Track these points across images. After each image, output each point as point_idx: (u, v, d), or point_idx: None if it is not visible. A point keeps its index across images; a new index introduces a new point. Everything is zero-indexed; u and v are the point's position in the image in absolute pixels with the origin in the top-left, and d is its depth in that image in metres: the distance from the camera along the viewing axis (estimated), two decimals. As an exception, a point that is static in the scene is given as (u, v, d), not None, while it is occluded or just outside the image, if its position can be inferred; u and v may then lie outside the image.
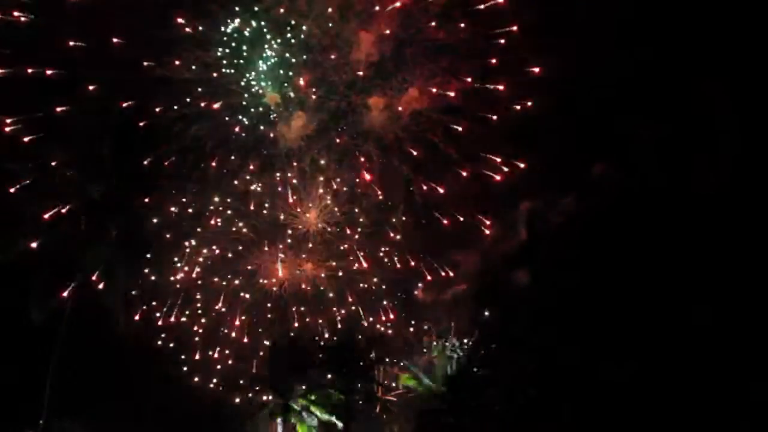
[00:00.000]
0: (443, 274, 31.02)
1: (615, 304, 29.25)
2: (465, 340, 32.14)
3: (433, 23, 28.91)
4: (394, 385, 32.54)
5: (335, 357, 30.90)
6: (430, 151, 29.55)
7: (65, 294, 27.38)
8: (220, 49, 30.04)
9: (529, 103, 28.74)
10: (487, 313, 31.59)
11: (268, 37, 30.24)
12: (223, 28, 29.73)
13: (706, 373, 27.35)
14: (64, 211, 26.66)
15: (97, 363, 27.79)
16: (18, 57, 26.22)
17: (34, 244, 26.37)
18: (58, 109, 26.96)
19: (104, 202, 27.16)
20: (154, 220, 28.98)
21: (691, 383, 27.49)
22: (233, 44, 30.11)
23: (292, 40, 30.25)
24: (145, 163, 28.57)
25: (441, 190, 29.88)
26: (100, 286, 27.66)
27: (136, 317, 28.83)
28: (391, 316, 31.60)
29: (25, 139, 26.54)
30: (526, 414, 29.83)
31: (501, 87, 28.55)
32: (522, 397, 30.04)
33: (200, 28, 29.29)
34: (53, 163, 26.82)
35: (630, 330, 28.81)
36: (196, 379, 29.57)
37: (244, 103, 30.81)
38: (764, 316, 27.11)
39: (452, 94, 29.15)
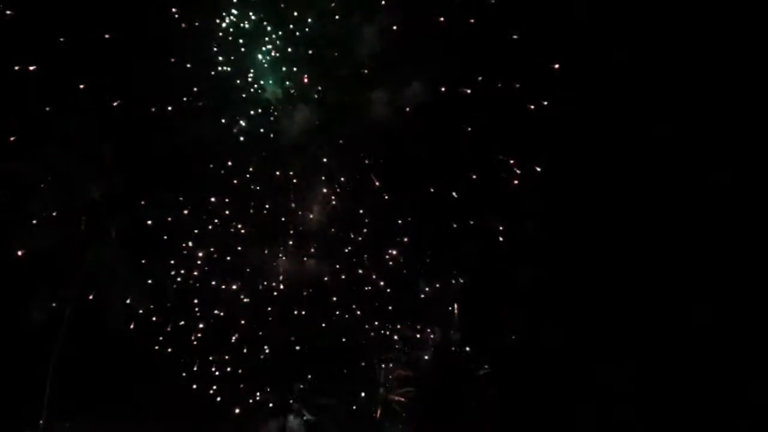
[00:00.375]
0: (452, 281, 30.91)
1: (615, 304, 29.38)
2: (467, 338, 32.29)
3: (442, 18, 28.48)
4: (396, 384, 32.65)
5: (336, 358, 30.93)
6: (436, 149, 29.27)
7: (65, 294, 27.21)
8: (219, 44, 29.66)
9: (545, 102, 28.21)
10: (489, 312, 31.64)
11: (269, 29, 29.86)
12: (218, 21, 29.35)
13: (706, 373, 27.53)
14: (64, 211, 26.46)
15: (98, 363, 27.73)
16: (8, 53, 25.87)
17: (33, 244, 26.11)
18: (57, 108, 26.61)
19: (104, 202, 26.97)
20: (154, 221, 28.68)
21: (691, 383, 27.67)
22: (231, 38, 29.73)
23: (297, 34, 29.86)
24: (145, 162, 28.25)
25: (447, 190, 29.63)
26: (100, 286, 27.49)
27: (136, 318, 28.56)
28: (394, 317, 31.51)
29: (24, 138, 26.23)
30: (526, 414, 30.02)
31: (516, 84, 28.13)
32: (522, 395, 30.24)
33: (197, 23, 28.90)
34: (53, 163, 26.51)
35: (629, 330, 28.95)
36: (195, 386, 29.37)
37: (243, 97, 30.48)
38: (764, 316, 27.26)
39: (459, 90, 28.84)
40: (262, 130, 30.34)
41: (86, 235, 26.84)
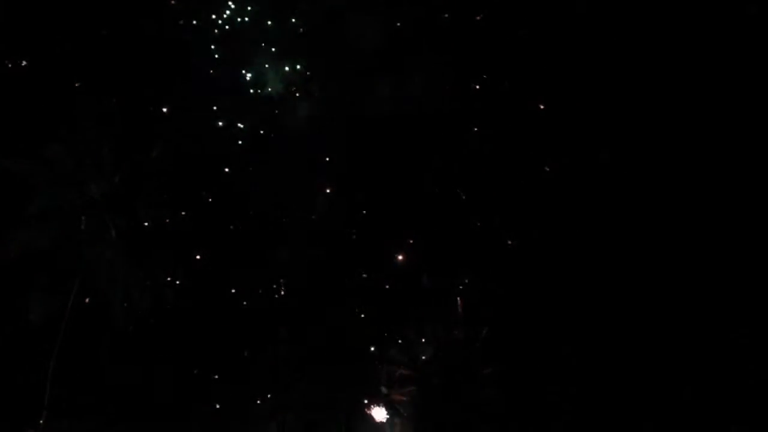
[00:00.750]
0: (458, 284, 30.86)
1: (617, 305, 29.37)
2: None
3: (446, 14, 28.37)
4: (397, 384, 32.59)
5: (337, 358, 30.89)
6: (439, 146, 29.19)
7: (65, 293, 27.14)
8: (219, 41, 29.59)
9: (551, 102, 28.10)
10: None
11: (270, 24, 29.80)
12: (214, 17, 29.26)
13: (705, 373, 27.56)
14: (64, 211, 26.39)
15: (98, 363, 27.73)
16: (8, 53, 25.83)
17: (34, 244, 26.04)
18: (57, 108, 26.56)
19: (104, 202, 26.91)
20: (154, 221, 28.63)
21: (690, 384, 27.70)
22: (231, 34, 29.64)
23: (300, 30, 29.80)
24: (145, 161, 28.19)
25: (453, 189, 29.57)
26: (100, 286, 27.44)
27: (136, 319, 28.51)
28: (397, 316, 31.48)
29: (24, 138, 26.18)
30: (526, 414, 30.03)
31: (517, 83, 28.03)
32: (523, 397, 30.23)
33: (195, 21, 28.82)
34: (53, 163, 26.45)
35: (629, 331, 28.95)
36: (194, 387, 29.33)
37: (243, 95, 30.40)
38: (763, 316, 27.28)
39: (463, 87, 28.72)
40: (262, 130, 30.26)
41: (86, 234, 26.74)
